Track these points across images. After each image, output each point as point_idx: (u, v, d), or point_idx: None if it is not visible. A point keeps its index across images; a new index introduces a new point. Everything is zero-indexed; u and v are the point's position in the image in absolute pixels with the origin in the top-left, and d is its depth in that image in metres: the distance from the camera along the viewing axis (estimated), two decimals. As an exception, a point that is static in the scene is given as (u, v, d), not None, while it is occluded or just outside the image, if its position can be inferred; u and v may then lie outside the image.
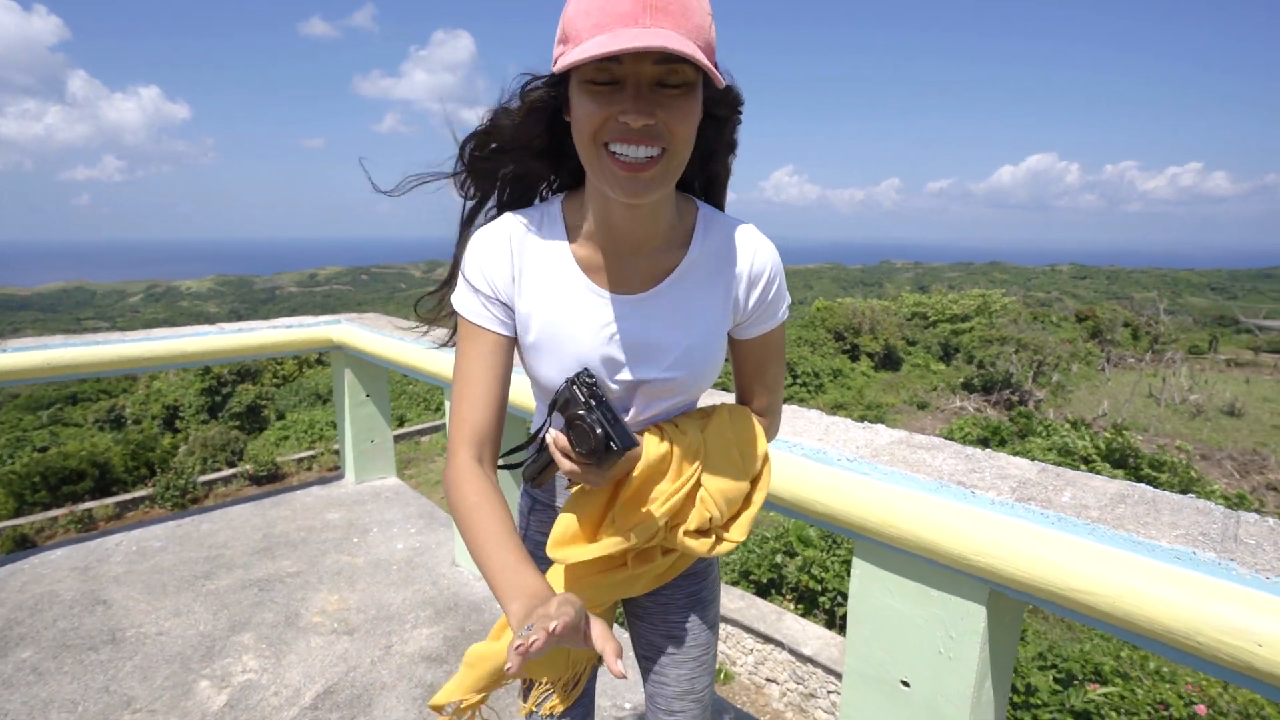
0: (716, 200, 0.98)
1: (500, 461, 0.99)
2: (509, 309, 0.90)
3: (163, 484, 14.35)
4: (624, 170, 0.75)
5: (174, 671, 2.14)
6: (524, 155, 0.91)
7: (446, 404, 2.69)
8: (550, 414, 0.90)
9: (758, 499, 0.98)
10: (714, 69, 0.74)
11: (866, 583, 1.35)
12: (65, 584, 2.62)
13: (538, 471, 0.93)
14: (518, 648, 0.61)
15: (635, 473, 0.89)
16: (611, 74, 0.73)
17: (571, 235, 0.90)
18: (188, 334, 3.00)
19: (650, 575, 1.00)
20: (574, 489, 0.94)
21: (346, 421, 3.43)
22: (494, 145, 0.90)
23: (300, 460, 16.25)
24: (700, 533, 0.94)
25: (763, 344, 0.99)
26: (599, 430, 0.78)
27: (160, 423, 21.33)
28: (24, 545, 11.53)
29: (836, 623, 5.22)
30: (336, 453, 16.56)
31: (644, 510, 0.90)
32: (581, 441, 0.80)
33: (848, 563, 5.52)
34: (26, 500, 14.33)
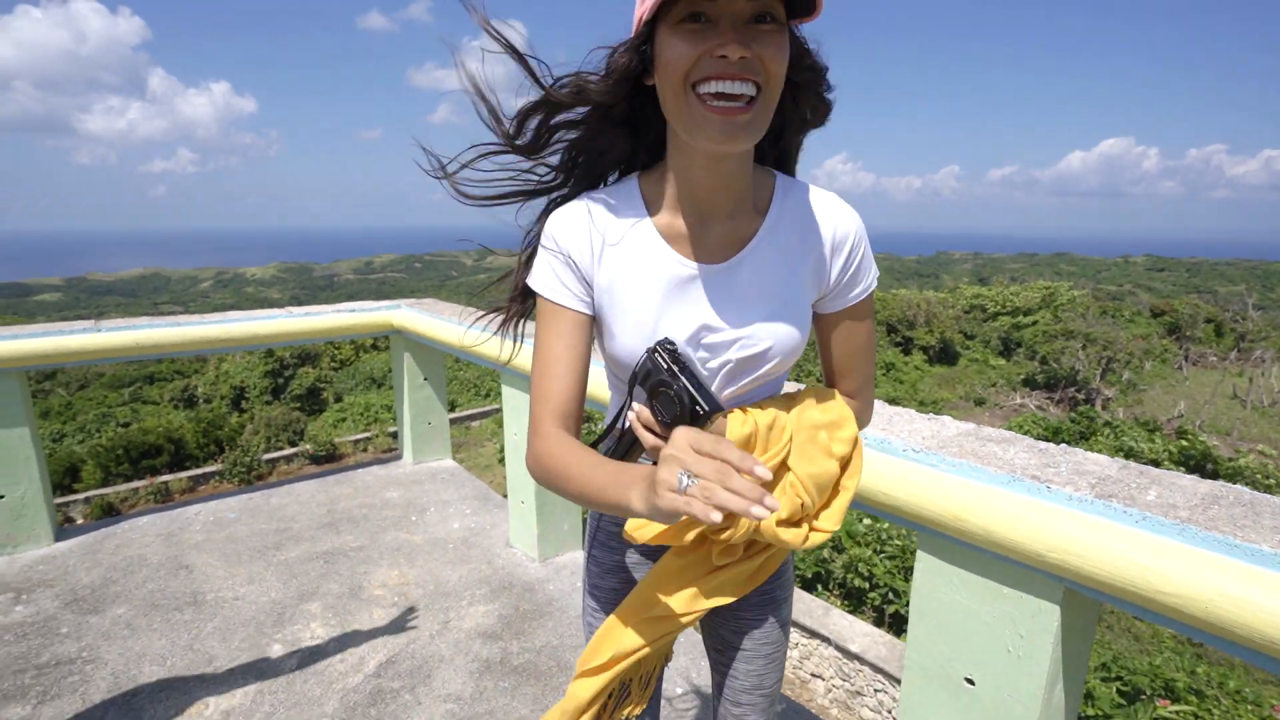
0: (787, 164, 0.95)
1: None
2: (588, 286, 0.89)
3: (231, 460, 15.07)
4: (718, 114, 0.73)
5: (249, 634, 2.25)
6: (604, 125, 0.88)
7: (502, 391, 2.74)
8: (631, 390, 0.87)
9: (849, 485, 0.93)
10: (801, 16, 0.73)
11: (931, 577, 1.32)
12: (152, 549, 2.78)
13: (620, 456, 0.90)
14: (684, 493, 0.60)
15: None
16: (704, 13, 0.72)
17: (651, 208, 0.89)
18: (260, 317, 3.14)
19: (740, 578, 0.96)
20: None
21: (405, 404, 3.54)
22: (568, 115, 0.88)
23: (356, 441, 16.84)
24: (791, 523, 0.89)
25: (849, 319, 0.94)
26: (685, 395, 0.76)
27: (228, 402, 22.37)
28: (110, 513, 12.30)
29: (886, 621, 5.13)
30: (391, 435, 17.09)
31: None
32: (667, 409, 0.78)
33: (897, 560, 5.41)
34: (112, 471, 15.26)
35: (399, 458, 3.75)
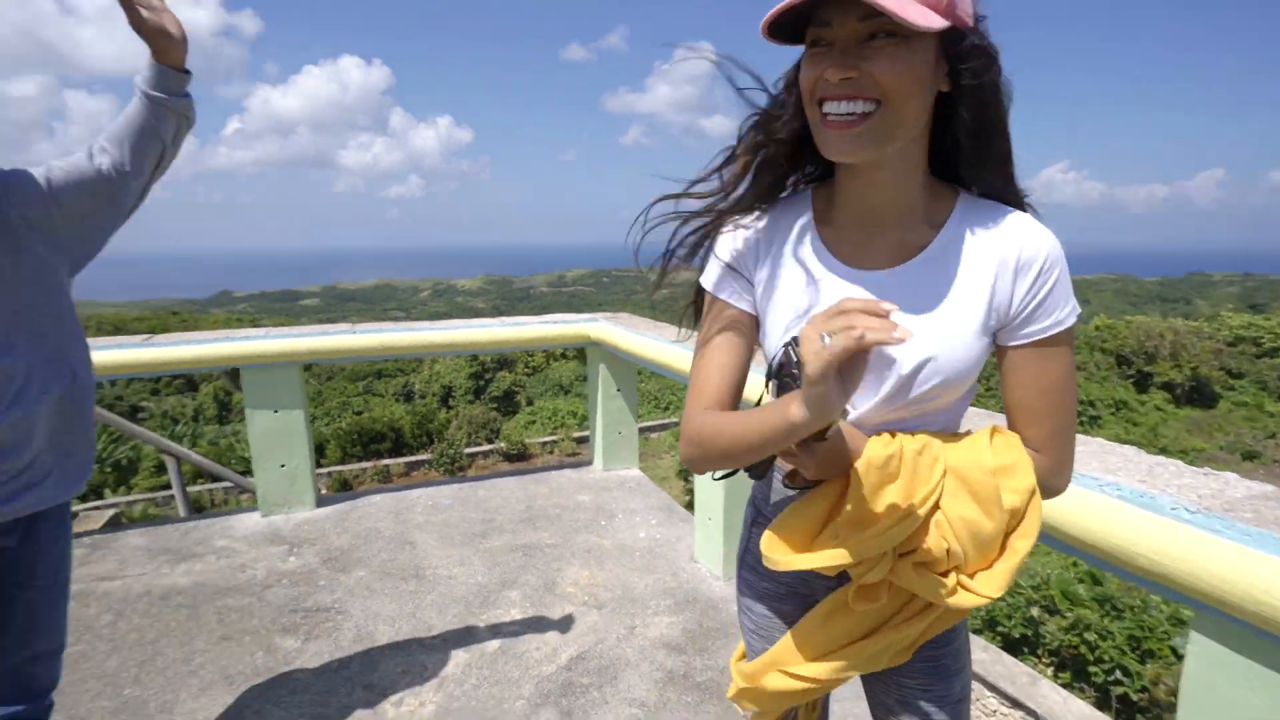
0: (993, 187, 0.85)
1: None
2: (751, 284, 0.93)
3: (439, 451, 16.89)
4: (833, 129, 0.77)
5: (460, 611, 2.50)
6: (786, 140, 0.89)
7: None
8: (766, 384, 0.84)
9: (1020, 546, 0.81)
10: (914, 19, 0.69)
11: (1210, 667, 1.11)
12: (384, 523, 3.20)
13: (760, 466, 0.90)
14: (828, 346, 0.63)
15: (858, 469, 0.80)
16: (823, 36, 0.76)
17: (818, 216, 0.91)
18: (476, 325, 3.49)
19: (892, 649, 0.88)
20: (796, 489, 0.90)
21: (598, 413, 3.73)
22: (769, 130, 0.89)
23: (544, 443, 18.09)
24: (935, 571, 0.81)
25: (1036, 356, 0.82)
26: (797, 387, 0.74)
27: (438, 399, 25.13)
28: (345, 487, 14.36)
29: (1112, 705, 4.42)
30: (576, 440, 18.04)
31: (867, 523, 0.80)
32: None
33: (1135, 636, 4.64)
34: (347, 452, 17.79)
35: (590, 463, 3.95)
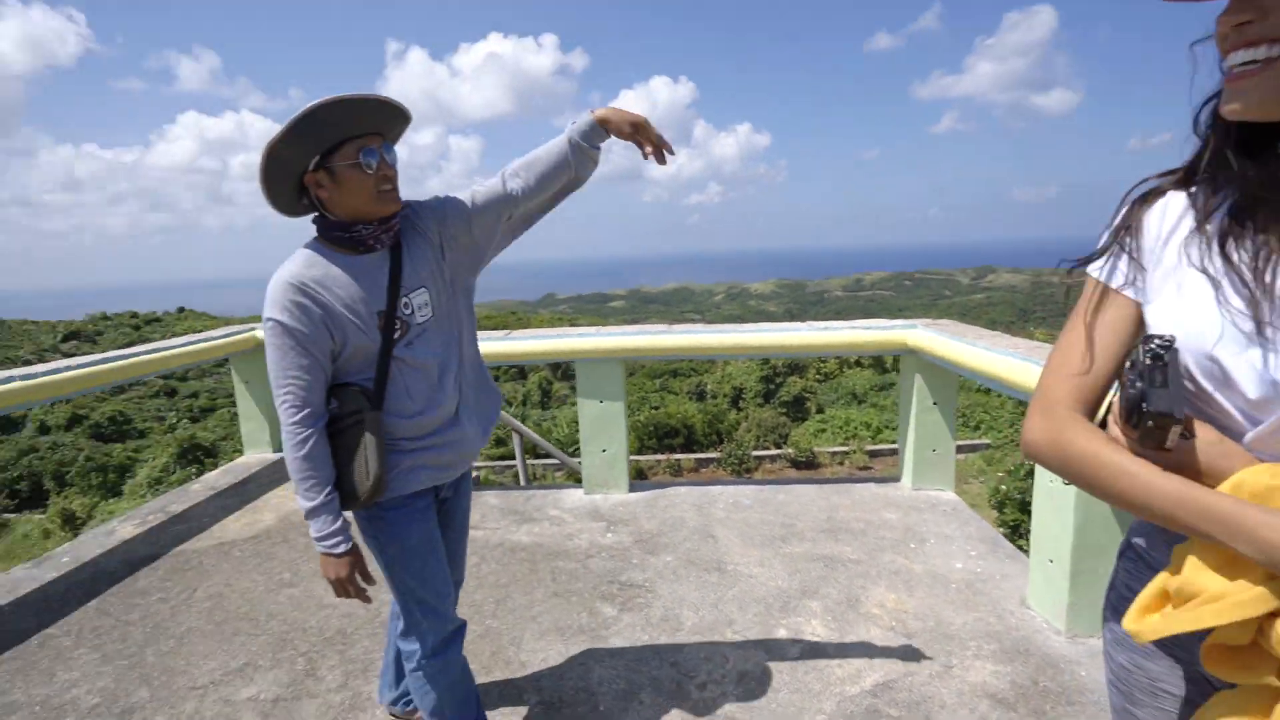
0: None
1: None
2: (1145, 273, 0.81)
3: (727, 451, 17.45)
4: (1229, 82, 0.69)
5: (760, 611, 2.52)
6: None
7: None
8: (1122, 393, 0.76)
9: None
10: None
11: None
12: (688, 514, 3.39)
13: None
14: None
15: (1224, 491, 0.66)
16: None
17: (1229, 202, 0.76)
18: (786, 329, 3.49)
19: None
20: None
21: (910, 426, 3.45)
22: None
23: (834, 453, 17.51)
24: None
25: None
26: (1135, 386, 0.69)
27: (729, 400, 25.99)
28: (640, 476, 15.70)
29: None
30: (869, 453, 17.09)
31: (1235, 571, 0.64)
32: (1122, 399, 0.73)
33: None
34: (644, 444, 19.37)
35: (896, 480, 3.69)
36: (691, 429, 20.20)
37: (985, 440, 18.88)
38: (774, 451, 17.85)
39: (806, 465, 16.93)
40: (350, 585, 1.50)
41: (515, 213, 1.59)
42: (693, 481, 3.83)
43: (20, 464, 22.12)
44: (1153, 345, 0.73)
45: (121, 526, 3.52)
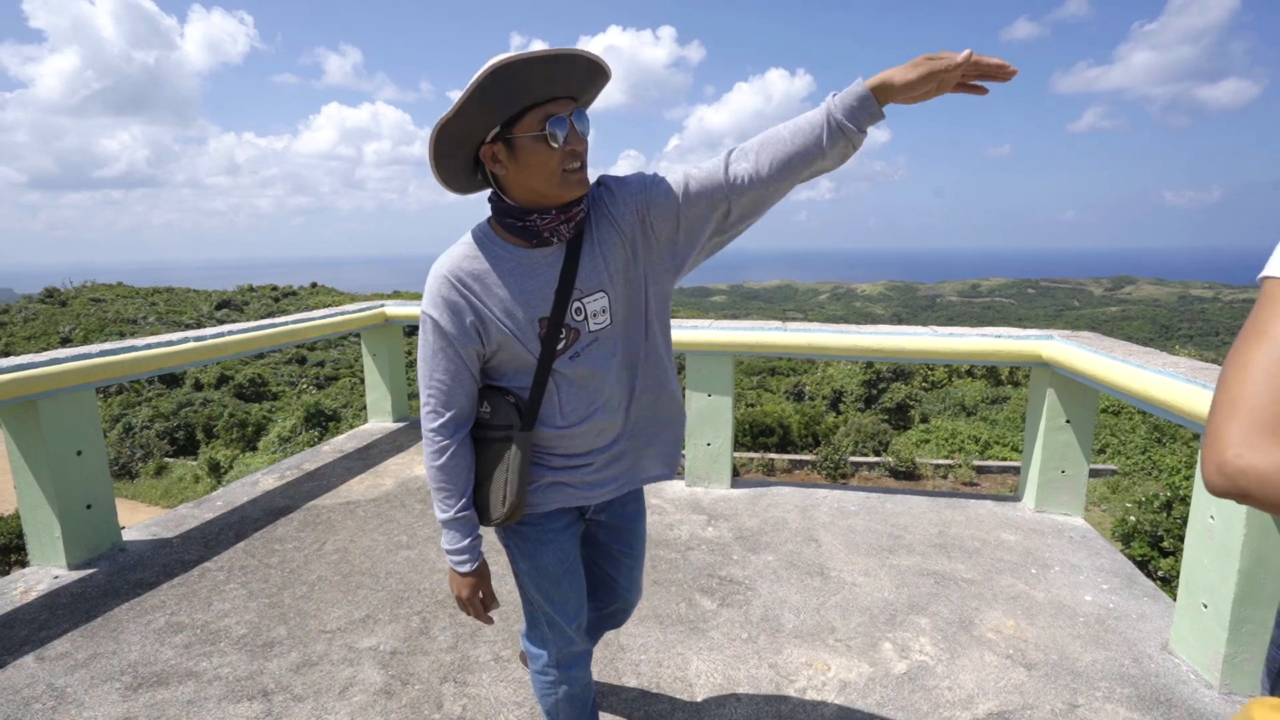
0: None
1: None
2: None
3: (823, 454, 16.97)
4: None
5: (863, 622, 2.44)
6: None
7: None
8: None
9: None
10: None
11: None
12: (791, 516, 3.32)
13: None
14: None
15: None
16: None
17: None
18: (909, 333, 3.33)
19: None
20: None
21: (1038, 444, 3.22)
22: None
23: (937, 466, 16.63)
24: None
25: None
26: None
27: (828, 403, 25.22)
28: (733, 474, 15.53)
29: None
30: (975, 469, 16.12)
31: None
32: None
33: None
34: (738, 440, 19.17)
35: (1017, 499, 3.46)
36: (788, 429, 19.75)
37: (1112, 465, 17.31)
38: (873, 459, 17.16)
39: (906, 476, 16.17)
40: (470, 606, 1.38)
41: (736, 205, 1.22)
42: (795, 483, 3.75)
43: (179, 415, 24.88)
44: None
45: (264, 478, 3.88)
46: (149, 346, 3.03)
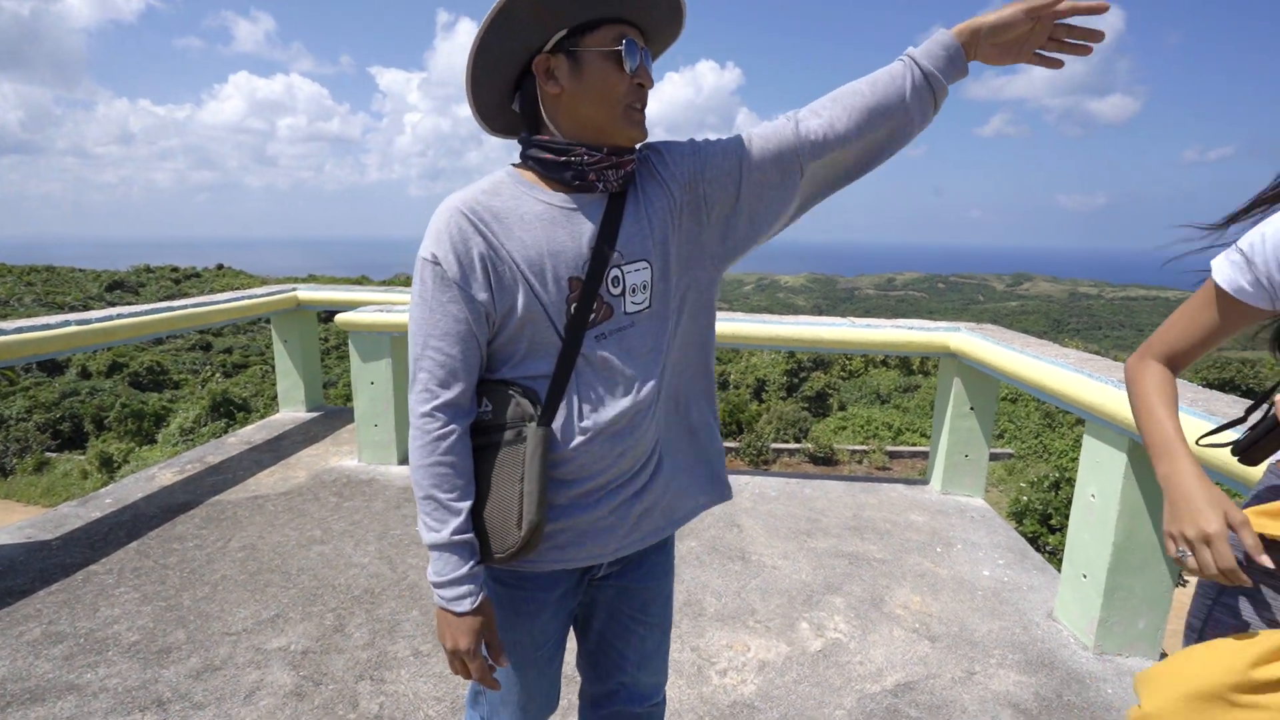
0: None
1: (1204, 440, 1.11)
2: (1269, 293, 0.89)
3: (746, 442, 17.41)
4: None
5: (782, 604, 2.52)
6: None
7: (1084, 444, 2.35)
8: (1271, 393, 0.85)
9: None
10: None
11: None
12: (714, 502, 3.39)
13: (1250, 442, 0.93)
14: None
15: None
16: None
17: None
18: (828, 323, 3.45)
19: None
20: None
21: (944, 430, 3.41)
22: None
23: (854, 452, 17.39)
24: None
25: None
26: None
27: (750, 391, 25.88)
28: (659, 460, 15.69)
29: None
30: (888, 454, 16.96)
31: None
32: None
33: None
34: (665, 428, 19.36)
35: (924, 482, 3.65)
36: (712, 417, 20.16)
37: (1008, 450, 18.58)
38: (793, 445, 17.77)
39: (825, 461, 16.84)
40: (471, 660, 0.99)
41: (809, 171, 1.03)
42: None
43: (62, 406, 22.90)
44: None
45: (161, 473, 3.62)
46: (19, 330, 2.76)
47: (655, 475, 1.07)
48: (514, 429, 0.97)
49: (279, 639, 2.23)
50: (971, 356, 3.10)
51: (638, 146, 1.03)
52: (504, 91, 1.01)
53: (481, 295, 0.95)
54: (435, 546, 0.98)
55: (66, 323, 2.96)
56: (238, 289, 4.96)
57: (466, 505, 0.98)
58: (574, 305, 0.97)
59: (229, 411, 18.68)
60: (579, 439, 0.99)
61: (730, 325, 3.42)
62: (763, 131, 1.02)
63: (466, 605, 0.98)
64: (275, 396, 4.97)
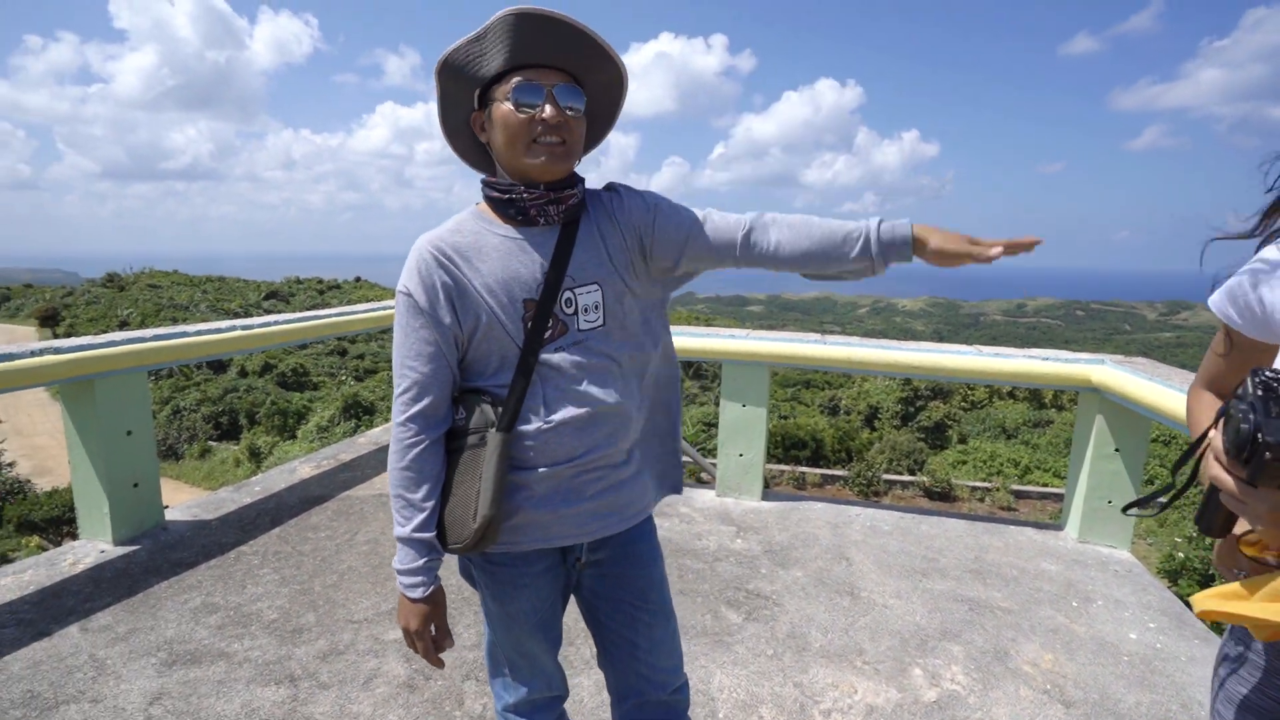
0: None
1: (1129, 510, 1.02)
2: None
3: (856, 470, 16.68)
4: None
5: (893, 646, 2.37)
6: None
7: None
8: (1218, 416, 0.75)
9: None
10: None
11: None
12: (822, 532, 3.26)
13: (1205, 508, 0.79)
14: None
15: None
16: None
17: None
18: (952, 351, 3.25)
19: None
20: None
21: (1084, 472, 3.10)
22: None
23: (974, 488, 16.22)
24: None
25: None
26: (1248, 418, 0.65)
27: (863, 418, 24.82)
28: (764, 486, 15.37)
29: None
30: (1014, 493, 15.69)
31: None
32: (1228, 433, 0.69)
33: None
34: (770, 452, 18.97)
35: (1059, 528, 3.34)
36: (821, 443, 19.49)
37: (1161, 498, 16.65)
38: (907, 478, 16.82)
39: (941, 497, 15.79)
40: (419, 640, 1.16)
41: (733, 265, 1.20)
42: (826, 498, 3.68)
43: (224, 401, 25.70)
44: (1263, 376, 0.69)
45: (301, 466, 3.96)
46: (200, 333, 3.13)
47: (624, 471, 1.21)
48: (477, 434, 1.12)
49: (395, 631, 2.36)
50: (1118, 391, 2.81)
51: (605, 184, 1.21)
52: (472, 145, 1.19)
53: (447, 319, 1.10)
54: (400, 539, 1.14)
55: (234, 327, 3.32)
56: (373, 300, 5.37)
57: (430, 505, 1.13)
58: (530, 323, 1.11)
59: (358, 413, 20.21)
60: (547, 427, 1.12)
61: (844, 350, 3.30)
62: (716, 223, 1.17)
63: (419, 593, 1.14)
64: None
